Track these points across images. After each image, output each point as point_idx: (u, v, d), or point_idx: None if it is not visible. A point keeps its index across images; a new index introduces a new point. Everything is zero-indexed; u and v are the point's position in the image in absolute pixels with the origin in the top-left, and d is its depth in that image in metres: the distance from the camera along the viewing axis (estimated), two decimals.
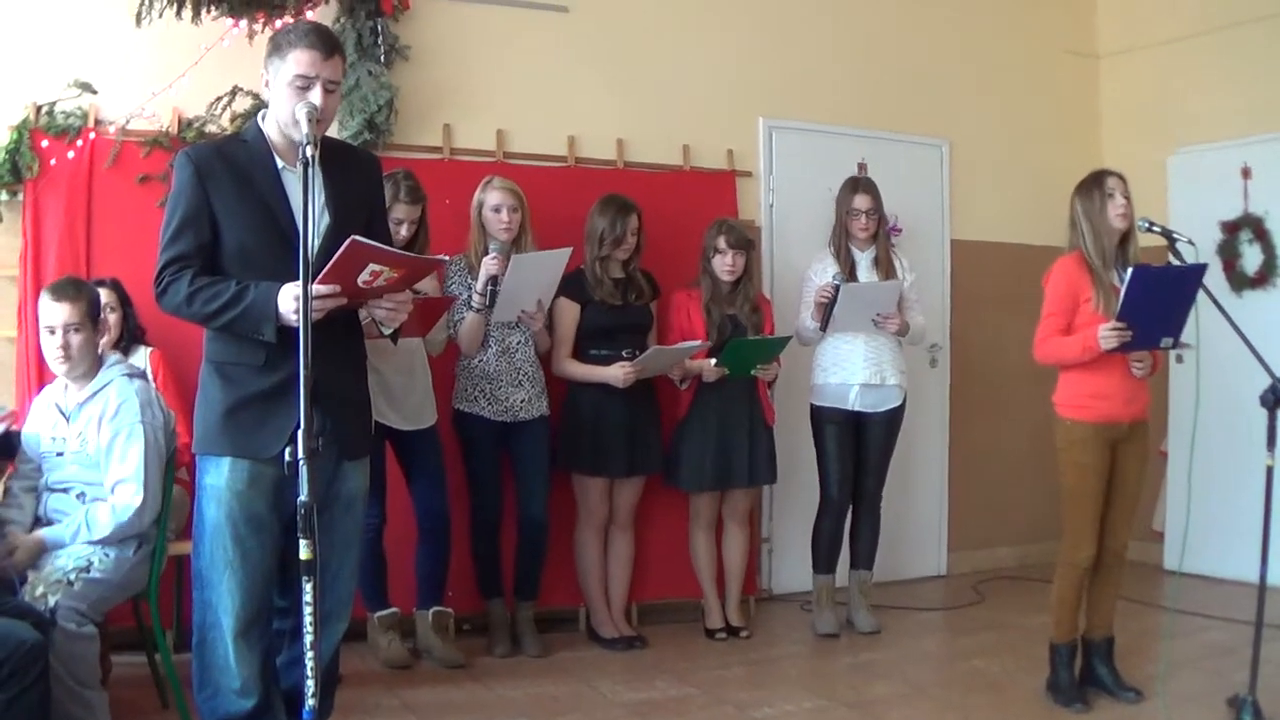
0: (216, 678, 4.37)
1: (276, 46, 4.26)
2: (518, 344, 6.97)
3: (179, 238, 4.24)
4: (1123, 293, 5.65)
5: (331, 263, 3.97)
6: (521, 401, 6.95)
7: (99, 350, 5.33)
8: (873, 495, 7.78)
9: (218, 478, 4.29)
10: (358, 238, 3.96)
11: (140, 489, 5.03)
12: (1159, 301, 5.70)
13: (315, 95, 4.16)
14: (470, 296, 6.74)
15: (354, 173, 4.53)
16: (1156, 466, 8.64)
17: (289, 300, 4.03)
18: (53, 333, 5.20)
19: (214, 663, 4.36)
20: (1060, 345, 5.94)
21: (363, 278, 4.09)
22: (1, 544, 5.00)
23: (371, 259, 4.04)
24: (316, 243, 4.13)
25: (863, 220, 7.53)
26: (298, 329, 3.75)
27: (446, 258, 5.22)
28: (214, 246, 4.28)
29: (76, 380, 5.28)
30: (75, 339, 5.15)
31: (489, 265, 6.63)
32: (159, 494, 5.13)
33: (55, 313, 5.17)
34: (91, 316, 5.17)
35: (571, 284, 7.12)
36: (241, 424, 4.27)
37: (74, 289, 5.20)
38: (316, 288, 3.90)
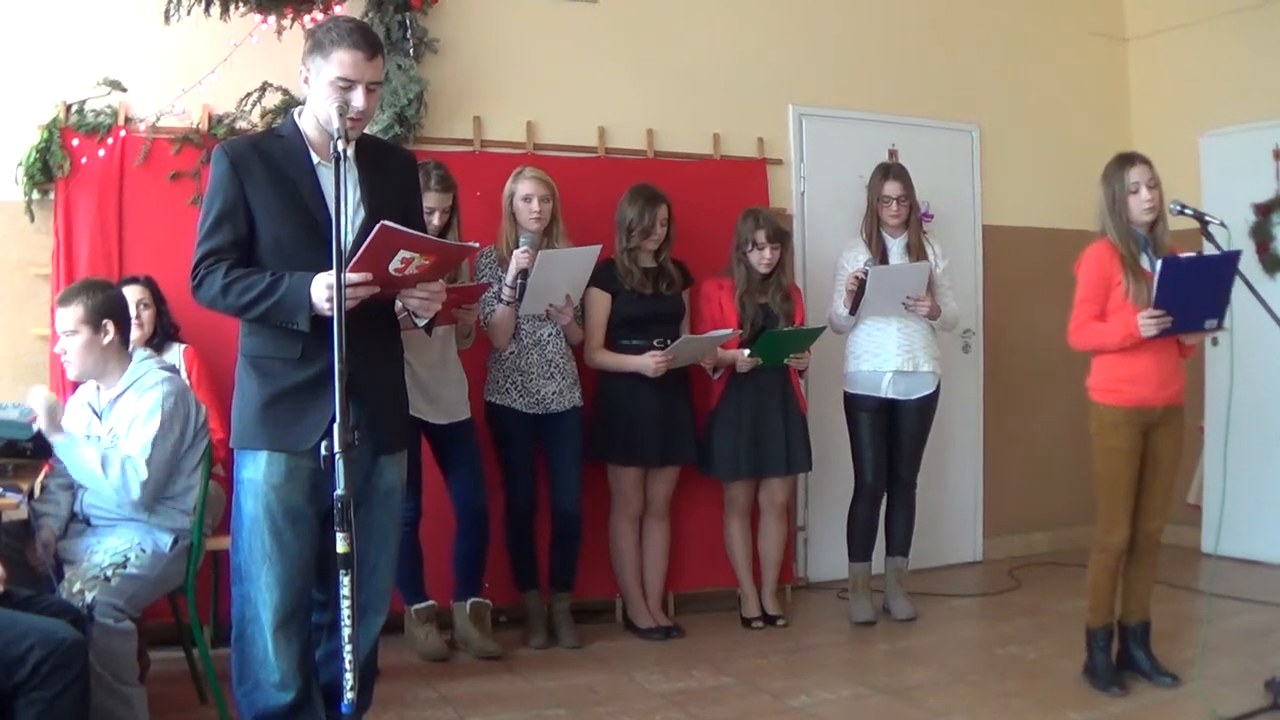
0: (256, 671, 4.40)
1: (318, 44, 4.26)
2: (549, 336, 6.97)
3: (215, 232, 4.27)
4: (1155, 283, 5.65)
5: (362, 249, 3.99)
6: (553, 393, 6.96)
7: (129, 347, 5.33)
8: (907, 482, 7.76)
9: (255, 472, 4.32)
10: (387, 223, 3.97)
11: (144, 468, 5.03)
12: (1195, 287, 5.69)
13: (358, 97, 4.18)
14: (501, 288, 6.75)
15: (389, 169, 4.55)
16: (1193, 441, 8.61)
17: (321, 289, 4.06)
18: (58, 337, 5.25)
19: (253, 656, 4.38)
20: (1100, 332, 5.93)
21: (394, 265, 4.10)
22: (35, 541, 5.03)
23: (402, 245, 4.05)
24: (350, 237, 4.15)
25: (894, 207, 7.51)
26: (332, 321, 3.77)
27: (478, 244, 5.22)
28: (250, 240, 4.31)
29: (98, 379, 5.30)
30: (71, 343, 5.16)
31: (519, 258, 6.65)
32: (161, 480, 5.12)
33: (56, 318, 5.24)
34: (91, 320, 5.12)
35: (602, 274, 7.13)
36: (278, 418, 4.30)
37: (71, 294, 5.21)
38: (349, 275, 3.90)
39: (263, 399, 4.32)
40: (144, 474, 5.03)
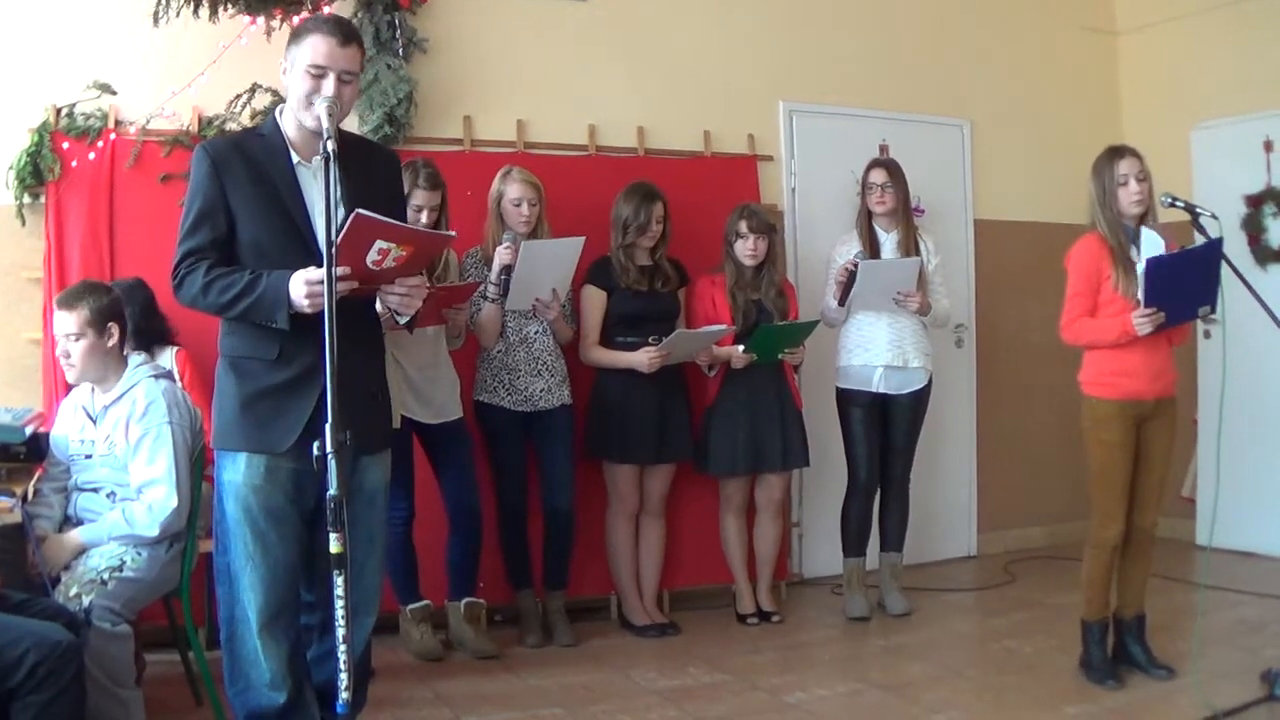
0: (247, 671, 4.38)
1: (295, 34, 4.29)
2: (535, 333, 6.98)
3: (195, 231, 4.26)
4: (1141, 285, 5.68)
5: (338, 240, 3.92)
6: (541, 391, 6.96)
7: (123, 352, 5.32)
8: (901, 477, 7.77)
9: (235, 474, 4.30)
10: (361, 211, 3.92)
11: (173, 490, 5.03)
12: (1183, 280, 5.70)
13: (329, 85, 4.17)
14: (487, 287, 6.76)
15: (372, 169, 4.52)
16: (1188, 434, 8.62)
17: (299, 285, 4.05)
18: (57, 341, 5.23)
19: (243, 656, 4.37)
20: (1095, 328, 5.93)
21: (371, 257, 4.06)
22: (30, 544, 5.01)
23: (378, 235, 4.01)
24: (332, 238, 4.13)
25: (878, 194, 7.53)
26: (313, 320, 3.82)
27: (455, 233, 5.16)
28: (230, 240, 4.29)
29: (97, 383, 5.29)
30: (75, 347, 5.13)
31: (502, 254, 6.66)
32: (189, 494, 5.13)
33: (57, 321, 5.20)
34: (95, 324, 5.11)
35: (598, 271, 7.18)
36: (257, 418, 4.29)
37: (74, 297, 5.18)
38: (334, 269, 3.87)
39: (241, 399, 4.31)
40: (174, 500, 5.06)
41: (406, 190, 6.23)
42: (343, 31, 4.25)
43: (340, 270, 3.96)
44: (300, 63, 4.21)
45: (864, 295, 7.36)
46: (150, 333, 6.16)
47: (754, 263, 7.37)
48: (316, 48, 4.18)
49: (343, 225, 3.93)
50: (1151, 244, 5.80)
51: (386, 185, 4.61)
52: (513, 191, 6.87)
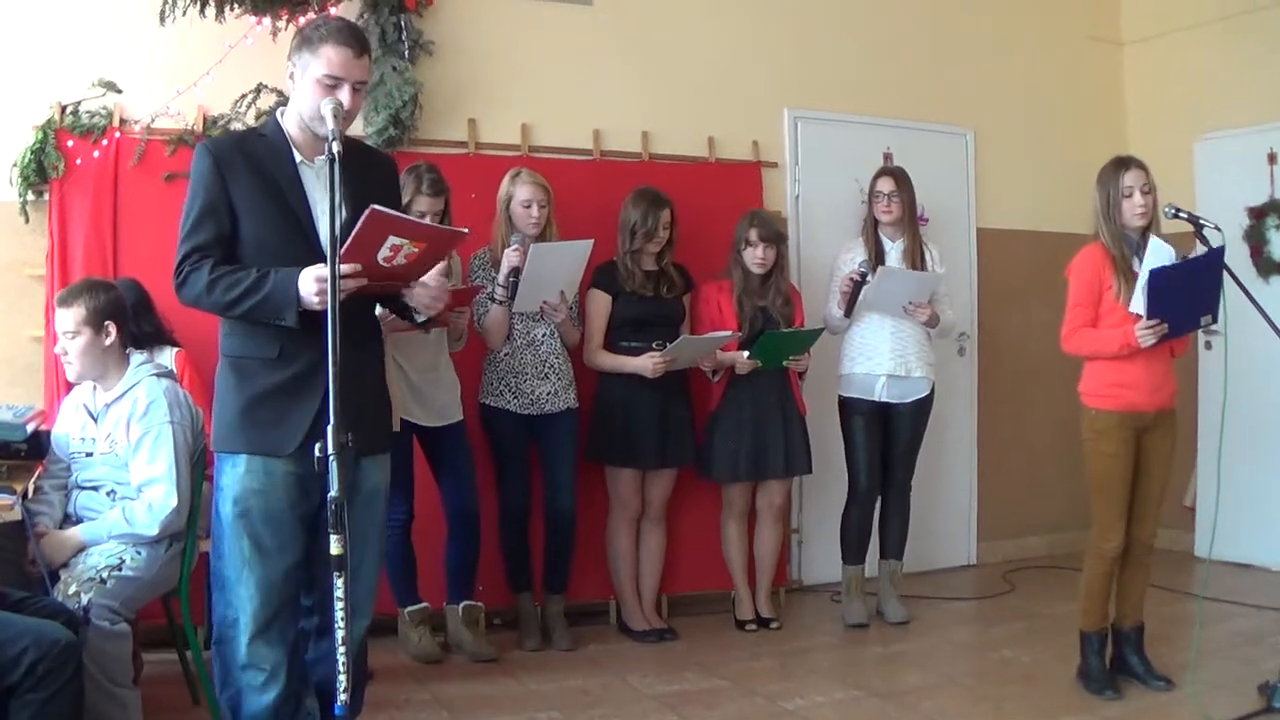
0: (236, 676, 4.33)
1: (306, 40, 4.23)
2: (543, 336, 6.97)
3: (199, 229, 4.21)
4: (1144, 296, 5.66)
5: (351, 237, 3.91)
6: (548, 394, 6.96)
7: (124, 350, 5.32)
8: (901, 485, 7.77)
9: (234, 477, 4.25)
10: (377, 206, 3.91)
11: (173, 490, 5.02)
12: (1185, 290, 5.69)
13: (344, 95, 4.15)
14: (494, 289, 6.75)
15: (371, 174, 4.49)
16: (1188, 442, 8.61)
17: (310, 282, 4.00)
18: (56, 338, 5.23)
19: (232, 660, 4.32)
20: (1097, 339, 5.93)
21: (383, 254, 4.04)
22: (29, 542, 5.01)
23: (391, 230, 3.99)
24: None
25: (885, 203, 7.55)
26: (315, 319, 3.82)
27: (467, 230, 5.09)
28: (233, 237, 4.25)
29: (97, 381, 5.28)
30: (72, 345, 5.12)
31: (510, 257, 6.64)
32: (189, 493, 5.13)
33: (56, 318, 5.20)
34: (92, 322, 5.10)
35: (604, 275, 7.17)
36: (259, 420, 4.24)
37: (72, 295, 5.17)
38: (338, 267, 3.86)
39: (242, 401, 4.26)
40: (174, 500, 5.04)
41: (409, 197, 6.26)
42: (359, 42, 4.23)
43: (352, 267, 3.95)
44: (313, 71, 4.17)
45: (876, 299, 7.37)
46: (141, 335, 6.12)
47: (763, 270, 7.37)
48: (332, 59, 4.15)
49: (358, 220, 3.93)
50: (1158, 253, 5.79)
51: (384, 191, 4.56)
52: (522, 193, 6.87)
